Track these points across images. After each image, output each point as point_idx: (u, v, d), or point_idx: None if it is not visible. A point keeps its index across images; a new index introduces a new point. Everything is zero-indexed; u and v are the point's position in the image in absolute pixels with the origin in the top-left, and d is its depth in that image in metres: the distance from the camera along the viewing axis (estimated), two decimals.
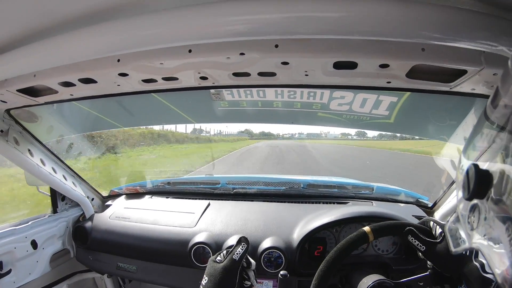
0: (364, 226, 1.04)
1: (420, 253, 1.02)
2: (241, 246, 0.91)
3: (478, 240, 0.45)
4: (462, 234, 0.51)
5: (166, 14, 0.71)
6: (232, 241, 1.45)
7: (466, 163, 0.51)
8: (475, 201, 0.46)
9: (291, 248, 1.41)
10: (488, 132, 0.50)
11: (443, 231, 1.01)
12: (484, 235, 0.43)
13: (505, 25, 0.62)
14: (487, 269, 0.92)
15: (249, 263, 0.95)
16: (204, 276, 0.88)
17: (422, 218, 1.14)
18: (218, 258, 0.91)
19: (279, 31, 0.68)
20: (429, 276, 1.03)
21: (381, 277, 1.10)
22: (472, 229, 0.47)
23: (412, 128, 1.71)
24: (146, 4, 0.73)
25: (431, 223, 1.08)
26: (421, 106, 1.37)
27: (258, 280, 1.40)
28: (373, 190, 1.85)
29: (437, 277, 1.02)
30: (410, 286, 1.03)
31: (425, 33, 0.64)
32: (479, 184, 0.42)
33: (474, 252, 0.98)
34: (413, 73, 0.84)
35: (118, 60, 0.91)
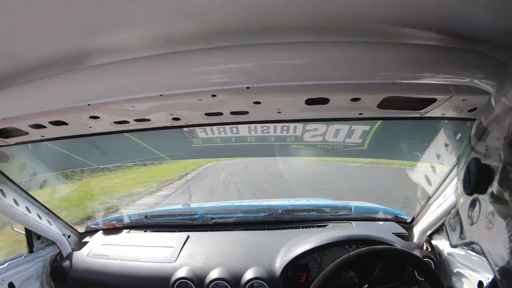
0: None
1: None
2: None
3: (477, 235, 0.44)
4: (462, 228, 0.51)
5: (136, 64, 0.71)
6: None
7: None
8: (475, 195, 0.45)
9: (275, 277, 1.40)
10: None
11: None
12: (484, 230, 0.42)
13: (473, 57, 0.62)
14: None
15: None
16: None
17: (402, 235, 1.17)
18: None
19: (249, 80, 0.68)
20: None
21: None
22: (471, 224, 0.46)
23: (386, 153, 1.76)
24: (116, 51, 0.72)
25: None
26: (394, 131, 1.42)
27: None
28: (351, 210, 1.86)
29: None
30: None
31: (391, 74, 0.63)
32: (480, 178, 0.42)
33: None
34: (384, 104, 0.86)
35: (89, 105, 0.89)
